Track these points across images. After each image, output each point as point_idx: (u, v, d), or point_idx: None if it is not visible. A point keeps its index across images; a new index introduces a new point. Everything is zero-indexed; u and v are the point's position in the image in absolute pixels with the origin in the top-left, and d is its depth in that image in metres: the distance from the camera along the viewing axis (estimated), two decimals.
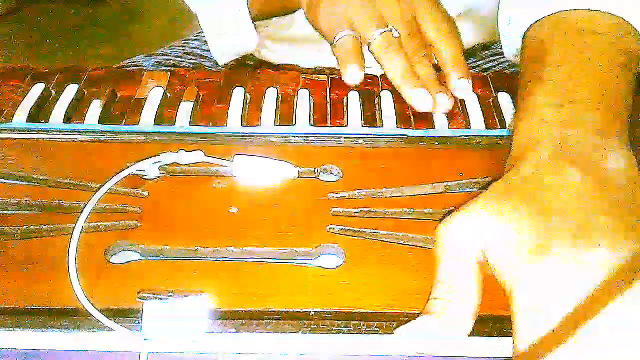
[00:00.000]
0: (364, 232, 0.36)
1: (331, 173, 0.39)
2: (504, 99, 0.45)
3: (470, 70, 0.57)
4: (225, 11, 0.53)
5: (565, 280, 0.28)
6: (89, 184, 0.38)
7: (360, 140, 0.41)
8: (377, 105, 0.45)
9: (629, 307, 0.25)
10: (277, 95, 0.46)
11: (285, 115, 0.44)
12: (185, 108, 0.44)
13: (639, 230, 0.29)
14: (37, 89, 0.46)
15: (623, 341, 0.25)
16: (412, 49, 0.45)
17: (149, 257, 0.35)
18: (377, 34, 0.45)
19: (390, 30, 0.45)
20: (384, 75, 0.47)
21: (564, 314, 0.27)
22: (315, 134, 0.42)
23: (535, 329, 0.27)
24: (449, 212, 0.33)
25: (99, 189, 0.37)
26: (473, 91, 0.46)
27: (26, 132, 0.42)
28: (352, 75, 0.45)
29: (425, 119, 0.44)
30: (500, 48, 0.48)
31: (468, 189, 0.38)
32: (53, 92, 0.46)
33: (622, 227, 0.29)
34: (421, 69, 0.45)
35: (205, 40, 0.68)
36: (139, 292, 0.33)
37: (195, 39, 0.70)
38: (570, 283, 0.27)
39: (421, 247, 0.35)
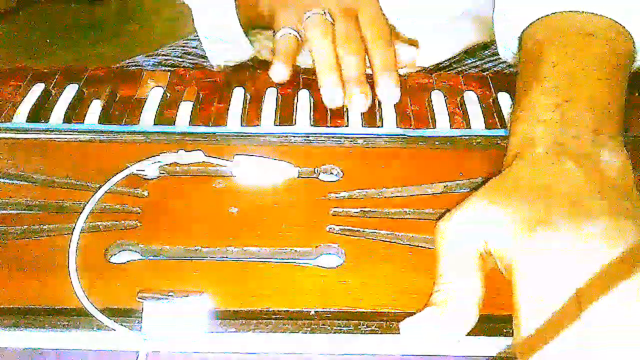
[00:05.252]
0: (364, 232, 0.36)
1: (331, 173, 0.39)
2: (504, 99, 0.45)
3: (470, 70, 0.56)
4: (218, 23, 0.53)
5: (567, 252, 0.28)
6: (89, 184, 0.38)
7: (360, 140, 0.41)
8: (377, 105, 0.45)
9: (634, 292, 0.25)
10: (277, 95, 0.46)
11: (285, 115, 0.44)
12: (185, 108, 0.44)
13: (637, 214, 0.29)
14: (37, 89, 0.46)
15: (627, 325, 0.25)
16: (344, 36, 0.45)
17: (149, 257, 0.35)
18: (310, 14, 0.45)
19: (324, 13, 0.45)
20: None
21: (568, 291, 0.26)
22: (315, 134, 0.42)
23: (538, 311, 0.27)
24: (448, 211, 0.33)
25: (99, 189, 0.37)
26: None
27: (26, 132, 0.42)
28: (276, 73, 0.45)
29: (425, 118, 0.44)
30: None
31: (468, 189, 0.38)
32: (53, 92, 0.46)
33: (620, 209, 0.29)
34: (348, 60, 0.44)
35: None
36: (139, 292, 0.33)
37: (195, 39, 0.70)
38: (573, 255, 0.27)
39: (421, 247, 0.35)
